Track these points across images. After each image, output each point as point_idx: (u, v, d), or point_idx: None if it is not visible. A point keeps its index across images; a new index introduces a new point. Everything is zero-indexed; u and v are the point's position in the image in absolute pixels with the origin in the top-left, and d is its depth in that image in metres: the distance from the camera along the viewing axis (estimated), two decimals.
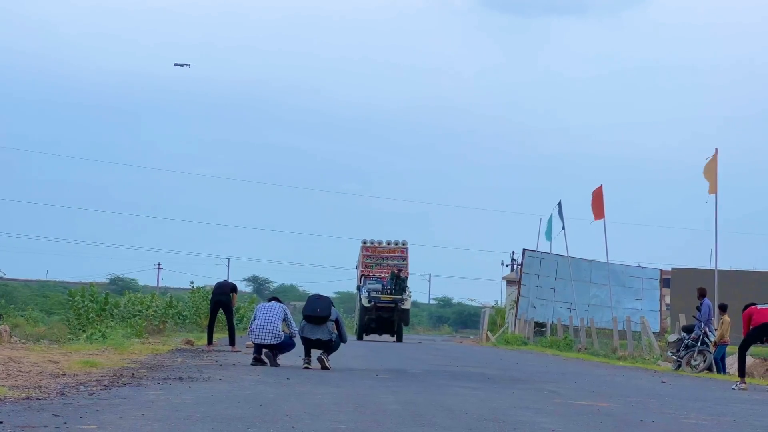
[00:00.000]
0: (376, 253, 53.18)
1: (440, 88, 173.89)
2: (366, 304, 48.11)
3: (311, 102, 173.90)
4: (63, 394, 11.59)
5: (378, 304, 47.90)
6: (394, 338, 49.48)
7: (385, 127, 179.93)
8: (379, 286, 49.23)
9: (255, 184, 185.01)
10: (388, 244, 53.74)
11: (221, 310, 27.90)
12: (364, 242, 53.81)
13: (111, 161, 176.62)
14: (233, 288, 28.24)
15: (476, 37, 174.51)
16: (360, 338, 48.76)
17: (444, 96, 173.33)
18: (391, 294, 48.19)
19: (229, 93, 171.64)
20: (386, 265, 51.84)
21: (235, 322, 29.31)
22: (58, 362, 16.71)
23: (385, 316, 48.26)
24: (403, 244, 53.85)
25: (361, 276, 52.31)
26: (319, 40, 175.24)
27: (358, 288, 51.46)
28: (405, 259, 53.07)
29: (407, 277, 50.65)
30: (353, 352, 28.76)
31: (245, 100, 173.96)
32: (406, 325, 51.22)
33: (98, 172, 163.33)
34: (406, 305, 48.81)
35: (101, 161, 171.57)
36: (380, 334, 50.07)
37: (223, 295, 27.63)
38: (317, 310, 19.44)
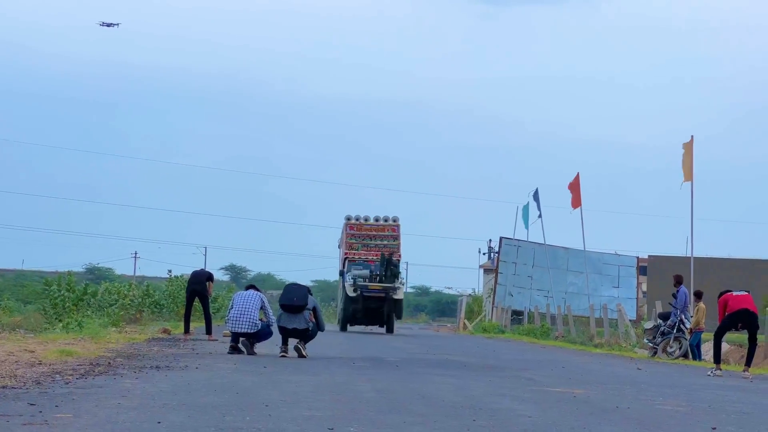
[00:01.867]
0: (363, 232, 45.51)
1: (416, 77, 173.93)
2: (351, 294, 41.34)
3: (285, 93, 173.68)
4: (39, 383, 11.55)
5: (365, 294, 41.19)
6: (384, 329, 42.97)
7: (361, 116, 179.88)
8: (366, 272, 42.45)
9: (230, 173, 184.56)
10: (377, 221, 45.95)
11: (197, 299, 27.84)
12: (348, 218, 46.00)
13: (87, 150, 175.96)
14: (209, 277, 28.16)
15: (452, 26, 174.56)
16: (344, 329, 42.86)
17: (420, 84, 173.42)
18: (380, 281, 41.48)
19: (206, 82, 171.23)
20: (374, 246, 44.73)
21: (212, 310, 29.24)
22: (34, 351, 16.65)
23: (374, 307, 41.60)
24: (394, 221, 46.14)
25: (345, 259, 44.88)
26: (290, 33, 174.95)
27: (341, 273, 44.57)
28: (396, 238, 45.64)
29: (400, 261, 44.30)
30: (331, 340, 28.76)
31: (223, 90, 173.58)
32: (399, 317, 44.08)
33: (75, 162, 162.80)
34: (399, 294, 42.00)
35: (77, 150, 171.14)
36: (367, 324, 43.53)
37: (198, 284, 27.55)
38: (293, 299, 19.41)
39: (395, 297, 41.37)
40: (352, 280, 41.73)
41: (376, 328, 43.92)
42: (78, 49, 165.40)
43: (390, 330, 42.19)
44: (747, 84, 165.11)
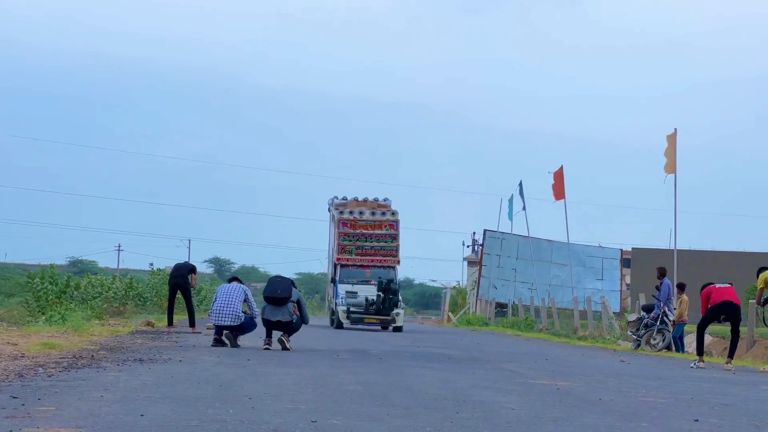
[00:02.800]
0: (357, 230, 40.35)
1: (399, 68, 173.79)
2: (344, 321, 37.32)
3: (268, 86, 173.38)
4: (21, 375, 11.52)
5: (360, 324, 37.73)
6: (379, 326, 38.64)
7: (345, 107, 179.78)
8: (361, 300, 37.63)
9: (214, 165, 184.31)
10: (372, 213, 40.72)
11: (180, 292, 27.80)
12: (342, 212, 40.80)
13: (70, 143, 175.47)
14: (192, 269, 28.12)
15: (435, 16, 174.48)
16: (338, 327, 37.97)
17: (403, 76, 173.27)
18: (377, 313, 37.31)
19: (191, 75, 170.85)
20: (370, 249, 40.16)
21: (196, 303, 29.23)
22: (16, 344, 16.60)
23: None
24: (393, 215, 40.98)
25: (336, 265, 40.18)
26: (290, 34, 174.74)
27: (333, 282, 39.83)
28: (396, 238, 40.71)
29: (398, 286, 38.43)
30: (315, 333, 28.77)
31: (206, 83, 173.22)
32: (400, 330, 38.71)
33: (58, 155, 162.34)
34: (399, 322, 37.69)
35: (60, 143, 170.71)
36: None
37: (180, 278, 27.52)
38: (277, 292, 19.41)
39: (394, 325, 37.53)
40: (345, 307, 37.47)
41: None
42: (61, 43, 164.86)
43: (387, 327, 38.01)
44: (731, 76, 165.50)
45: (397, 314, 37.48)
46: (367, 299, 37.43)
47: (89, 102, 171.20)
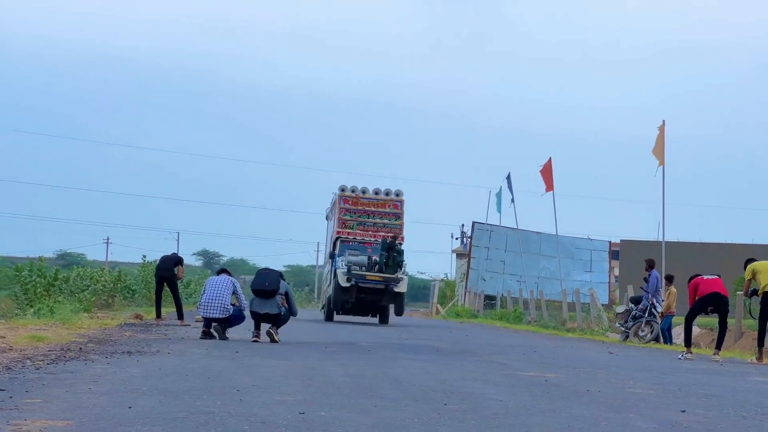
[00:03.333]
0: (359, 207, 38.49)
1: (389, 61, 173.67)
2: (344, 284, 34.78)
3: (258, 76, 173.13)
4: (9, 368, 11.50)
5: (361, 284, 34.96)
6: (377, 319, 37.32)
7: (330, 99, 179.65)
8: (363, 258, 36.03)
9: (202, 158, 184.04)
10: (376, 194, 38.76)
11: (166, 285, 27.75)
12: (343, 190, 38.79)
13: (59, 135, 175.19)
14: (178, 261, 28.04)
15: (425, 11, 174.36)
16: (329, 319, 36.97)
17: (392, 70, 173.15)
18: (380, 271, 35.15)
19: (177, 68, 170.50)
20: (372, 226, 38.16)
21: (185, 296, 29.21)
22: (4, 337, 16.57)
23: (370, 300, 35.63)
24: (397, 195, 38.93)
25: (336, 239, 38.10)
26: (266, 13, 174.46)
27: (332, 256, 37.56)
28: (399, 217, 38.76)
29: (402, 246, 37.10)
30: (303, 326, 28.76)
31: (195, 74, 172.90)
32: (399, 314, 37.11)
33: (46, 147, 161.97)
34: (401, 287, 35.40)
35: (49, 135, 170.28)
36: (357, 315, 37.53)
37: (165, 270, 27.46)
38: (265, 284, 19.40)
39: (396, 290, 35.19)
40: (345, 268, 35.21)
41: (366, 319, 38.68)
42: (55, 33, 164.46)
43: (385, 320, 36.42)
44: (719, 69, 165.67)
45: (401, 278, 35.20)
46: (369, 257, 35.73)
47: (78, 93, 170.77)
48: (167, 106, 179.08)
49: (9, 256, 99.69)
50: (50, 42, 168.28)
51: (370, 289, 35.06)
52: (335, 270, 35.65)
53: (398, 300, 35.72)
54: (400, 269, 35.40)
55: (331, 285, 36.26)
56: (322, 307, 39.42)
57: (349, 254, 36.45)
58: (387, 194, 38.70)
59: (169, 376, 11.19)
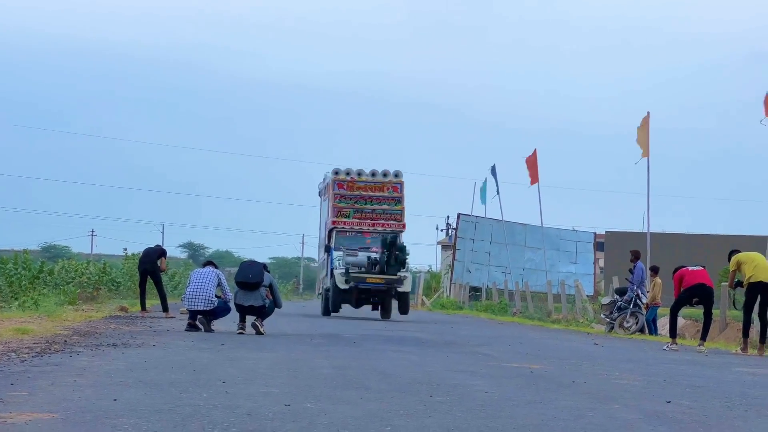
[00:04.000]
0: (355, 192, 35.05)
1: (374, 53, 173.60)
2: (342, 286, 32.22)
3: (242, 67, 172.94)
4: None
5: (361, 286, 32.50)
6: (379, 312, 34.32)
7: (316, 90, 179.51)
8: (363, 259, 32.98)
9: (188, 150, 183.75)
10: (373, 175, 35.34)
11: (150, 278, 27.66)
12: (336, 173, 35.39)
13: (43, 128, 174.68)
14: (161, 253, 27.91)
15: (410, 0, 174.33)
16: (326, 314, 34.04)
17: (378, 59, 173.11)
18: (382, 272, 32.39)
19: (161, 57, 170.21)
20: (370, 213, 34.84)
21: (170, 288, 29.15)
22: None
23: (371, 298, 33.44)
24: (396, 176, 35.49)
25: (332, 229, 34.74)
26: (251, 4, 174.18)
27: (327, 249, 34.46)
28: (400, 201, 35.25)
29: (404, 231, 34.70)
30: (288, 317, 28.75)
31: (179, 66, 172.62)
32: (405, 312, 34.13)
33: (30, 139, 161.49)
34: (405, 286, 32.85)
35: (33, 128, 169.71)
36: (357, 306, 34.32)
37: (149, 264, 27.34)
38: (249, 276, 19.36)
39: (400, 289, 32.73)
40: (343, 269, 32.44)
41: (363, 312, 36.05)
42: (41, 26, 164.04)
43: (387, 315, 33.47)
44: (704, 60, 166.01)
45: (405, 276, 32.58)
46: (369, 257, 32.84)
47: (57, 85, 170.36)
48: (152, 99, 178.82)
49: None
50: (35, 35, 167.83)
51: (371, 290, 32.76)
52: (332, 270, 32.95)
53: (402, 299, 33.46)
54: (403, 268, 32.76)
55: (328, 279, 33.80)
56: (318, 295, 37.45)
57: (346, 253, 33.31)
58: (385, 175, 35.33)
59: (154, 369, 11.17)
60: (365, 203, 34.90)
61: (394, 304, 33.74)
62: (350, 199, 34.86)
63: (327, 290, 34.01)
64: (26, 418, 7.16)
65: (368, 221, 34.80)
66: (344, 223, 34.58)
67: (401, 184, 35.31)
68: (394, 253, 32.26)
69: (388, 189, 35.15)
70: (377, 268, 32.46)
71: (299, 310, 41.54)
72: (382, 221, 34.77)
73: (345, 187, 34.98)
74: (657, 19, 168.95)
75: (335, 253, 33.46)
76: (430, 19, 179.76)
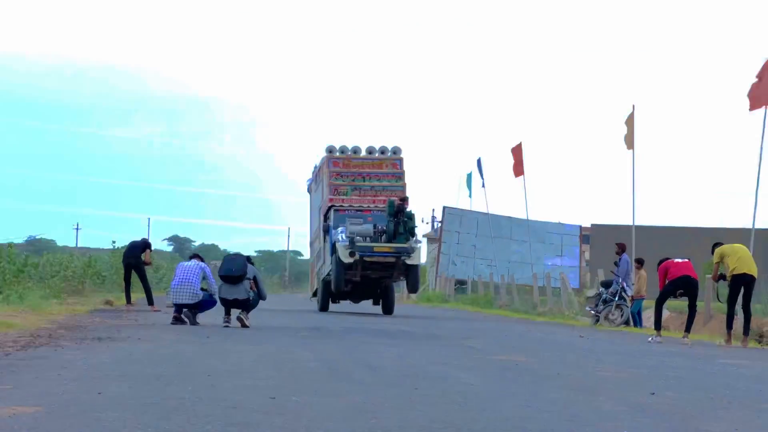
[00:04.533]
0: (352, 169, 32.66)
1: (355, 38, 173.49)
2: (346, 259, 29.03)
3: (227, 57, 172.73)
4: None
5: (367, 258, 29.25)
6: (380, 306, 31.63)
7: (306, 83, 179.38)
8: (369, 228, 29.84)
9: (173, 144, 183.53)
10: (371, 153, 32.90)
11: (134, 271, 27.60)
12: (330, 151, 32.89)
13: (29, 120, 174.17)
14: (145, 246, 27.84)
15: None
16: (325, 308, 31.76)
17: (360, 48, 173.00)
18: (390, 241, 29.41)
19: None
20: (369, 190, 32.34)
21: (155, 281, 29.12)
22: None
23: (377, 277, 30.27)
24: (395, 153, 32.99)
25: (329, 207, 31.75)
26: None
27: (326, 229, 31.46)
28: (400, 177, 32.87)
29: (411, 210, 30.52)
30: (274, 312, 28.73)
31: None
32: (414, 291, 32.59)
33: (15, 132, 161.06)
34: (415, 259, 29.91)
35: (19, 120, 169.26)
36: (357, 300, 32.33)
37: (132, 258, 27.29)
38: (232, 270, 19.34)
39: (410, 262, 29.59)
40: (347, 240, 29.22)
41: (363, 308, 33.39)
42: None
43: (389, 310, 30.83)
44: (691, 51, 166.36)
45: (415, 247, 29.62)
46: (375, 225, 29.91)
47: (43, 76, 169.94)
48: (133, 91, 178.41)
49: None
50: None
51: (379, 264, 29.56)
52: (334, 244, 29.78)
53: (412, 274, 29.85)
54: (413, 237, 29.72)
55: (327, 264, 31.03)
56: (314, 294, 34.64)
57: (350, 223, 30.14)
58: (383, 152, 32.91)
59: (139, 362, 11.17)
60: (364, 180, 32.51)
61: (397, 296, 31.92)
62: (347, 176, 32.49)
63: (324, 280, 31.56)
64: (11, 411, 7.15)
65: (368, 198, 32.27)
66: (342, 200, 31.99)
67: (401, 160, 33.02)
68: (402, 220, 29.59)
69: (387, 166, 32.86)
70: (384, 237, 29.56)
71: (286, 303, 41.53)
72: (384, 198, 31.83)
73: (341, 165, 32.68)
74: (648, 8, 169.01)
75: (336, 231, 30.28)
76: (418, 6, 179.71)
